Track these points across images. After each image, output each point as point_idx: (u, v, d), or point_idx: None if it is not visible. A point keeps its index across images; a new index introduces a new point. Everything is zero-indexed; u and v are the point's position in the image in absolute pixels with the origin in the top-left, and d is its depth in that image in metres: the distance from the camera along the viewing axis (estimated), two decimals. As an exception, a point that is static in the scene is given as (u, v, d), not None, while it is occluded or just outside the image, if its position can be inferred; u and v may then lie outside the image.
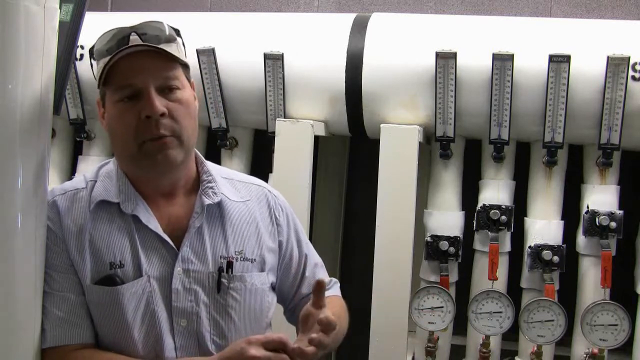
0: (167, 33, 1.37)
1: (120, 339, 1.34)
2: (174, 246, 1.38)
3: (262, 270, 1.46)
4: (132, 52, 1.32)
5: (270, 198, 1.53)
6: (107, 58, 1.33)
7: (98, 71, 1.36)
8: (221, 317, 1.39)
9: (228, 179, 1.51)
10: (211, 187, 1.43)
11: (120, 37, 1.34)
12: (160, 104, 1.31)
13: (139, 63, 1.32)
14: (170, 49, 1.35)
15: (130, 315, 1.33)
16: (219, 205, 1.43)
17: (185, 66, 1.40)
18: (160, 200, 1.41)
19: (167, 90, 1.34)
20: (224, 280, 1.39)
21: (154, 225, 1.38)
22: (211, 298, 1.39)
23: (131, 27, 1.35)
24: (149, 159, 1.34)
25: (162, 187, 1.41)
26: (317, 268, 1.61)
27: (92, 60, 1.40)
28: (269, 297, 1.47)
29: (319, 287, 1.34)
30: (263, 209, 1.51)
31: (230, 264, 1.40)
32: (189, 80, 1.42)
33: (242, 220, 1.46)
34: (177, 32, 1.40)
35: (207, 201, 1.41)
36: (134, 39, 1.33)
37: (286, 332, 1.92)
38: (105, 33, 1.36)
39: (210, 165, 1.50)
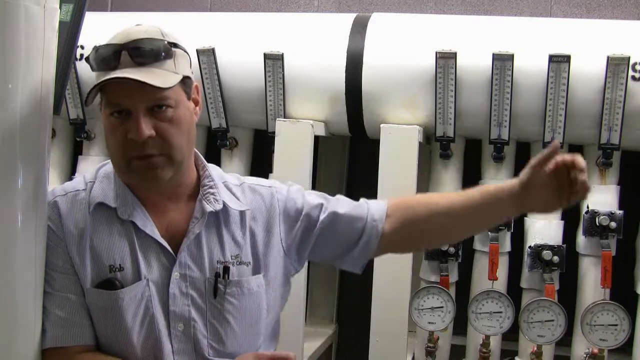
0: (164, 46, 1.33)
1: (120, 343, 1.34)
2: (171, 251, 1.37)
3: (257, 273, 1.44)
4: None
5: (278, 197, 1.50)
6: (96, 74, 1.31)
7: (87, 93, 1.32)
8: (218, 322, 1.39)
9: (237, 185, 1.49)
10: (212, 193, 1.42)
11: (111, 53, 1.31)
12: (147, 127, 1.29)
13: (129, 84, 1.28)
14: (165, 66, 1.32)
15: (130, 319, 1.33)
16: (218, 211, 1.42)
17: (184, 78, 1.36)
18: (160, 203, 1.40)
19: (157, 109, 1.31)
20: (220, 286, 1.38)
21: (151, 230, 1.37)
22: (208, 303, 1.38)
23: (122, 45, 1.31)
24: (137, 175, 1.34)
25: (161, 192, 1.40)
26: (342, 210, 1.52)
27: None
28: (265, 300, 1.45)
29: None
30: (271, 210, 1.48)
31: (226, 269, 1.39)
32: (187, 91, 1.37)
33: (238, 224, 1.44)
34: (175, 45, 1.35)
35: (209, 208, 1.40)
36: (125, 55, 1.30)
37: (288, 335, 1.93)
38: (99, 47, 1.33)
39: (211, 169, 1.47)
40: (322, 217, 1.49)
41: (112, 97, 1.31)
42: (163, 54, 1.32)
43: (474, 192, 1.48)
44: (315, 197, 1.54)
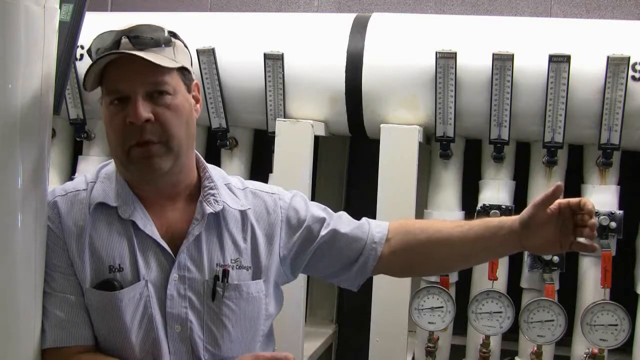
0: (164, 36, 1.35)
1: (118, 343, 1.34)
2: (171, 252, 1.37)
3: (258, 278, 1.44)
4: (120, 57, 1.30)
5: (280, 205, 1.50)
6: (92, 63, 1.32)
7: (84, 74, 1.34)
8: (215, 325, 1.38)
9: (240, 189, 1.49)
10: (213, 194, 1.42)
11: (111, 40, 1.33)
12: (145, 110, 1.29)
13: (128, 68, 1.30)
14: (164, 53, 1.33)
15: (128, 319, 1.33)
16: (218, 213, 1.42)
17: (183, 70, 1.38)
18: (160, 204, 1.40)
19: (156, 95, 1.32)
20: (218, 289, 1.38)
21: (151, 230, 1.37)
22: (205, 306, 1.38)
23: (123, 31, 1.33)
24: (136, 165, 1.33)
25: (161, 191, 1.40)
26: (343, 229, 1.52)
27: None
28: (266, 305, 1.46)
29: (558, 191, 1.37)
30: (274, 217, 1.48)
31: (226, 273, 1.39)
32: (187, 83, 1.39)
33: (240, 228, 1.44)
34: (175, 35, 1.38)
35: (209, 209, 1.40)
36: (125, 42, 1.32)
37: (288, 335, 1.93)
38: (100, 34, 1.35)
39: (212, 170, 1.48)
40: (322, 232, 1.50)
41: (111, 83, 1.32)
42: (163, 41, 1.34)
43: (475, 225, 1.48)
44: (318, 210, 1.54)
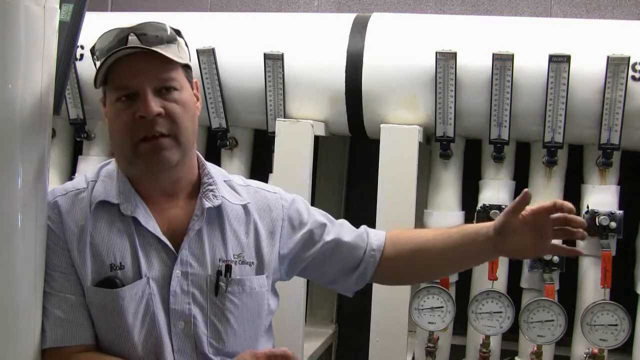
0: (168, 34, 1.37)
1: (120, 341, 1.35)
2: (172, 249, 1.38)
3: (261, 273, 1.45)
4: (129, 53, 1.32)
5: (282, 204, 1.52)
6: (104, 58, 1.33)
7: (96, 71, 1.36)
8: (218, 320, 1.39)
9: (242, 185, 1.51)
10: (211, 190, 1.43)
11: (119, 38, 1.34)
12: (156, 104, 1.31)
13: (136, 64, 1.32)
14: (170, 50, 1.35)
15: (130, 317, 1.33)
16: (219, 208, 1.43)
17: (186, 67, 1.40)
18: (161, 201, 1.41)
19: (164, 91, 1.34)
20: (221, 284, 1.39)
21: (153, 227, 1.38)
22: (209, 301, 1.39)
23: (130, 28, 1.34)
24: (144, 159, 1.34)
25: (163, 189, 1.41)
26: (346, 238, 1.55)
27: (94, 59, 1.40)
28: (267, 300, 1.47)
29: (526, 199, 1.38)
30: (276, 214, 1.50)
31: (228, 268, 1.40)
32: (190, 81, 1.41)
33: (242, 223, 1.45)
34: (179, 32, 1.40)
35: (207, 204, 1.41)
36: (133, 39, 1.33)
37: (288, 335, 1.93)
38: (105, 33, 1.36)
39: (212, 168, 1.49)
40: (326, 238, 1.53)
41: (119, 80, 1.33)
42: (168, 39, 1.36)
43: (454, 232, 1.51)
44: (320, 216, 1.57)
